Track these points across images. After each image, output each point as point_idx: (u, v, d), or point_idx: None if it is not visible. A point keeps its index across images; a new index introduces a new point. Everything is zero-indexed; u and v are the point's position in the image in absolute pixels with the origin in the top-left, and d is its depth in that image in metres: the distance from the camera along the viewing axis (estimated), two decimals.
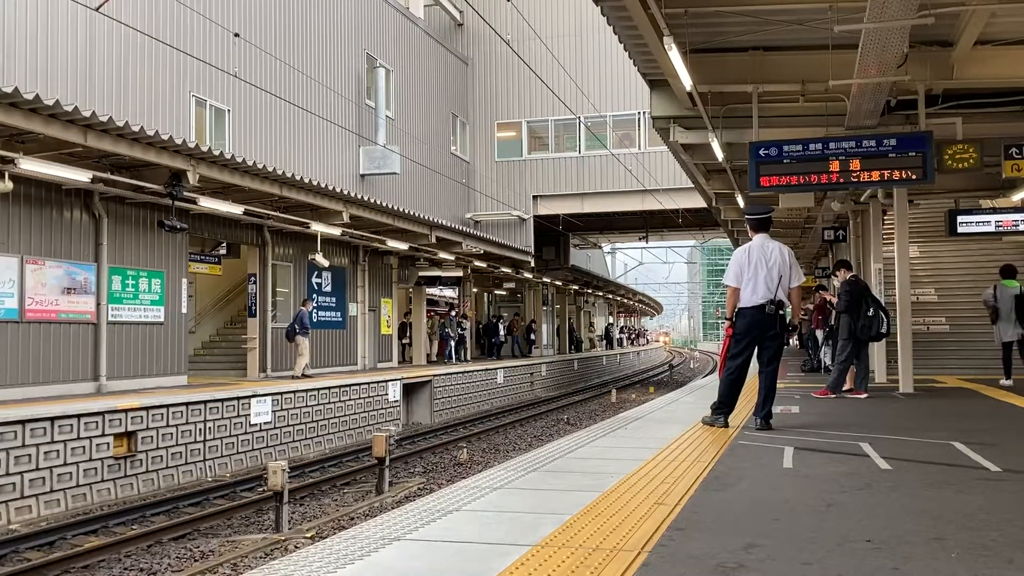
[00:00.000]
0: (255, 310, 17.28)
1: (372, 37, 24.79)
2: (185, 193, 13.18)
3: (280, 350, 17.84)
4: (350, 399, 16.35)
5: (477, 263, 25.73)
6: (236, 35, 17.41)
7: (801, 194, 13.47)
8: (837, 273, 11.32)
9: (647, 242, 42.97)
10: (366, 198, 17.78)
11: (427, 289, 26.38)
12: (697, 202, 24.62)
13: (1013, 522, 3.70)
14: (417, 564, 3.15)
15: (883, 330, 10.48)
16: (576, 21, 30.18)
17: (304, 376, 16.80)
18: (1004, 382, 11.60)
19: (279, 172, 14.46)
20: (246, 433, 13.32)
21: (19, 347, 11.86)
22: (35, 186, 12.09)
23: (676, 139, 12.23)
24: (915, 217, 15.77)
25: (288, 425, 14.35)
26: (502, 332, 30.62)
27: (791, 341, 21.02)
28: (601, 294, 49.00)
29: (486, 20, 25.78)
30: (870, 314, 10.32)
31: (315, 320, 18.62)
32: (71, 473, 10.27)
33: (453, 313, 26.71)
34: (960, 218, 13.80)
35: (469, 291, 28.55)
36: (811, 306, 16.26)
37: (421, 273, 24.36)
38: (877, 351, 13.17)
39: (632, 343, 61.13)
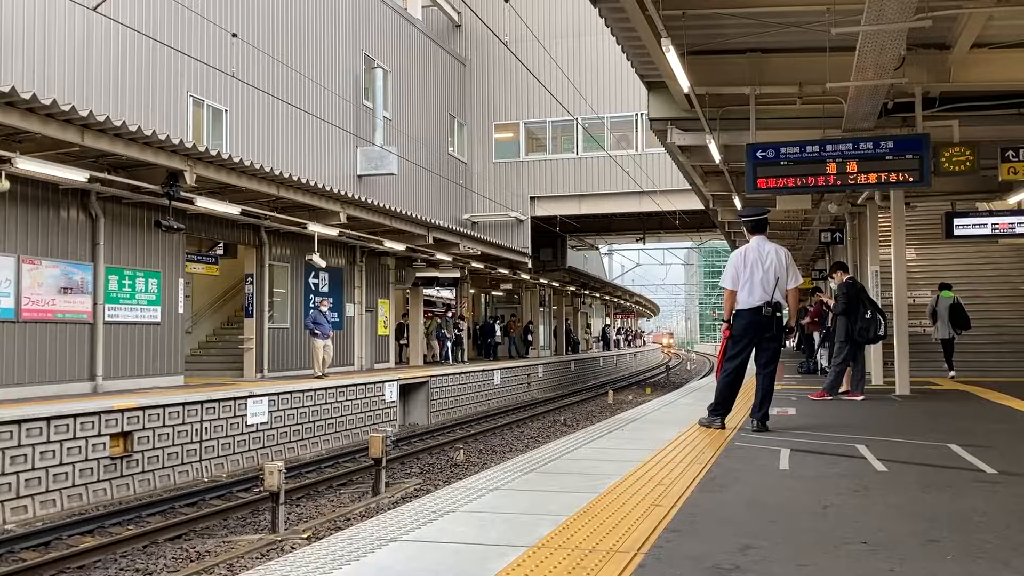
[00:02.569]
0: (252, 310, 17.26)
1: (370, 38, 24.79)
2: (182, 193, 13.17)
3: (277, 350, 17.83)
4: (347, 400, 16.33)
5: (474, 264, 25.73)
6: (234, 35, 17.40)
7: (798, 196, 13.49)
8: (834, 275, 11.34)
9: (644, 244, 43.00)
10: (363, 199, 17.78)
11: (424, 290, 26.37)
12: (694, 204, 24.65)
13: (1009, 525, 3.71)
14: (414, 565, 3.15)
15: (880, 332, 10.50)
16: (574, 22, 30.21)
17: (318, 375, 16.83)
18: (952, 374, 13.83)
19: (276, 172, 14.45)
20: (243, 433, 13.31)
21: (15, 347, 11.84)
22: (32, 186, 12.07)
23: (673, 141, 12.25)
24: (912, 219, 15.80)
25: (285, 426, 14.34)
26: (499, 333, 30.63)
27: (787, 343, 21.07)
28: (598, 295, 49.01)
29: (484, 21, 25.77)
30: (867, 316, 10.33)
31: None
32: (67, 473, 10.25)
33: (450, 314, 26.70)
34: (957, 221, 13.83)
35: (466, 292, 28.55)
36: (809, 308, 16.30)
37: (418, 274, 24.35)
38: (874, 353, 13.18)
39: (629, 344, 61.14)
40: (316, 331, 16.96)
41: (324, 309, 17.38)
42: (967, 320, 13.76)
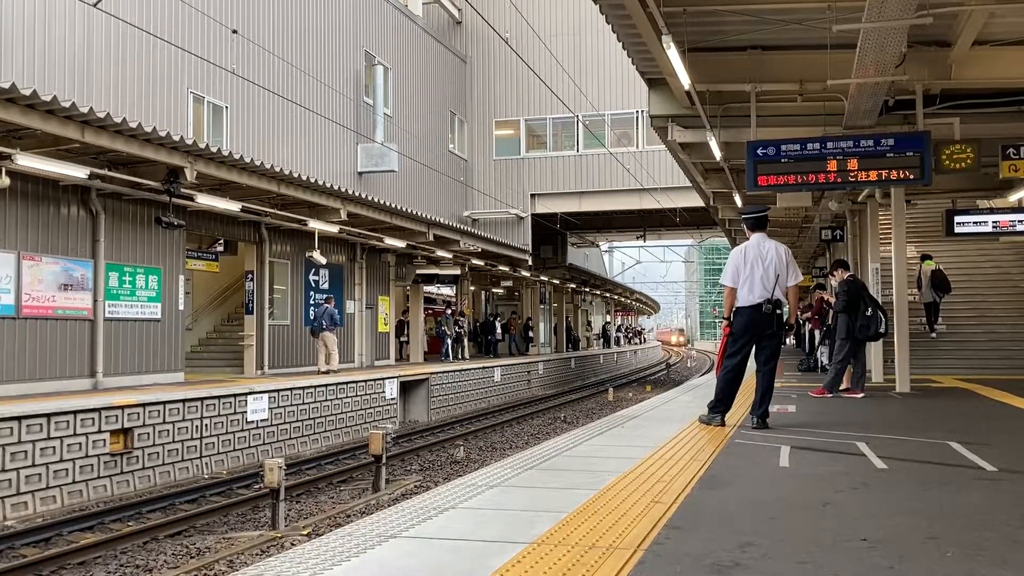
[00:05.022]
0: (252, 307, 17.27)
1: (370, 34, 24.77)
2: (182, 190, 13.16)
3: (277, 347, 17.84)
4: (347, 397, 16.34)
5: (475, 261, 25.72)
6: (234, 32, 17.39)
7: (798, 194, 13.49)
8: (834, 273, 11.35)
9: (645, 241, 42.98)
10: (364, 196, 17.77)
11: (424, 287, 26.37)
12: (695, 201, 24.65)
13: (1008, 522, 3.71)
14: (413, 561, 3.15)
15: (881, 330, 10.51)
16: (575, 19, 30.18)
17: (323, 371, 17.03)
18: (933, 335, 15.31)
19: (277, 169, 14.44)
20: (243, 430, 13.31)
21: (16, 343, 11.84)
22: (32, 182, 12.07)
23: (674, 138, 12.24)
24: (912, 217, 15.82)
25: (285, 422, 14.35)
26: (499, 330, 30.63)
27: (787, 340, 21.08)
28: (598, 292, 49.02)
29: (484, 18, 25.75)
30: (868, 314, 10.34)
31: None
32: (67, 470, 10.25)
33: (449, 311, 26.71)
34: (957, 218, 13.81)
35: (467, 289, 28.55)
36: (811, 302, 16.44)
37: (419, 271, 24.35)
38: (874, 351, 13.18)
39: (629, 342, 61.13)
40: (330, 327, 17.21)
41: (331, 305, 17.68)
42: (948, 285, 15.07)
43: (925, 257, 15.61)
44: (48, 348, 12.35)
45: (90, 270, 13.07)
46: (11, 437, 9.59)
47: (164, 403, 11.75)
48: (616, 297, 55.71)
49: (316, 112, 20.61)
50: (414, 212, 19.77)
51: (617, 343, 53.50)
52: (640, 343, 67.74)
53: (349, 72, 23.49)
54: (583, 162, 30.40)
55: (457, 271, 25.34)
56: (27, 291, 12.00)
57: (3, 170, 10.78)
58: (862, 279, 12.84)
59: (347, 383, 16.41)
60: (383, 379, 17.86)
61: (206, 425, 12.53)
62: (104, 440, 10.78)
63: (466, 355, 26.56)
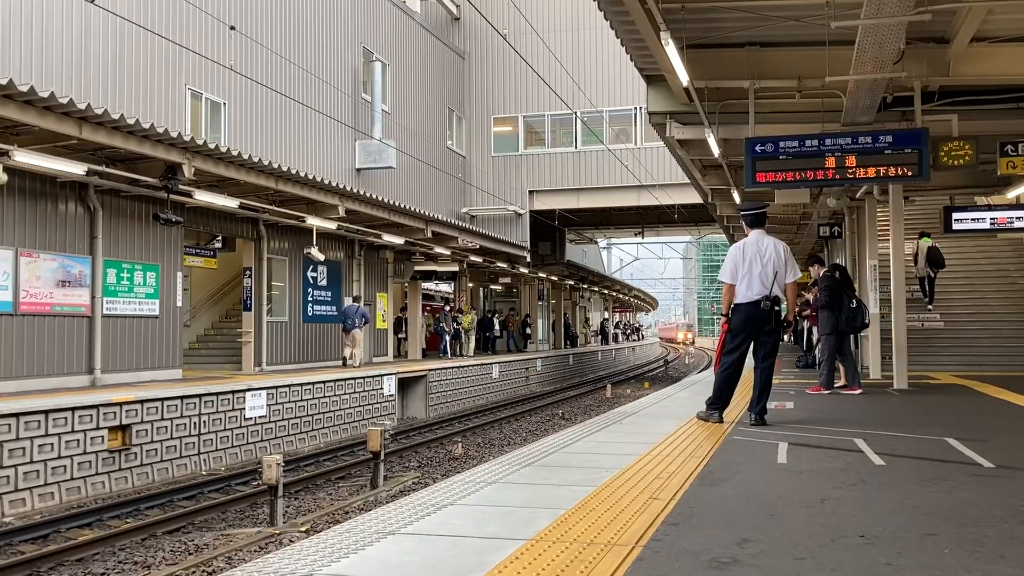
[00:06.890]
0: (250, 304, 17.25)
1: (368, 31, 24.73)
2: (180, 186, 13.14)
3: (276, 344, 17.83)
4: (345, 393, 16.35)
5: (473, 258, 25.71)
6: (232, 28, 17.36)
7: (797, 190, 13.49)
8: (810, 269, 11.40)
9: (643, 238, 42.97)
10: (362, 192, 17.76)
11: (423, 284, 26.36)
12: (693, 198, 24.65)
13: (1006, 518, 3.72)
14: (412, 558, 3.15)
15: (866, 320, 10.64)
16: (573, 16, 30.15)
17: (356, 366, 17.93)
18: (929, 307, 15.61)
19: (275, 166, 14.43)
20: (241, 427, 13.31)
21: (13, 340, 11.83)
22: (30, 178, 12.05)
23: (672, 135, 12.23)
24: (911, 214, 15.83)
25: (283, 419, 14.35)
26: (497, 327, 30.63)
27: (785, 337, 21.13)
28: (596, 289, 49.01)
29: (483, 14, 25.74)
30: (853, 306, 10.35)
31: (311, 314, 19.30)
32: (65, 466, 10.24)
33: (448, 308, 26.72)
34: (956, 215, 13.83)
35: (465, 286, 28.55)
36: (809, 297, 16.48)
37: (417, 268, 24.34)
38: (871, 348, 13.20)
39: (627, 339, 61.10)
40: (362, 326, 18.53)
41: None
42: (942, 261, 15.21)
43: (923, 234, 15.69)
44: (46, 345, 12.33)
45: (88, 267, 13.05)
46: (9, 434, 9.58)
47: (162, 400, 11.74)
48: (614, 294, 55.70)
49: (314, 108, 20.59)
50: (412, 209, 19.76)
51: (615, 340, 53.49)
52: (638, 339, 67.72)
53: (347, 68, 23.47)
54: (581, 159, 30.39)
55: (455, 268, 25.31)
56: (25, 288, 11.98)
57: (1, 167, 10.76)
58: (860, 277, 12.87)
59: (345, 379, 16.41)
60: (381, 375, 17.86)
61: (204, 422, 12.53)
62: (102, 437, 10.77)
63: (471, 351, 26.62)
